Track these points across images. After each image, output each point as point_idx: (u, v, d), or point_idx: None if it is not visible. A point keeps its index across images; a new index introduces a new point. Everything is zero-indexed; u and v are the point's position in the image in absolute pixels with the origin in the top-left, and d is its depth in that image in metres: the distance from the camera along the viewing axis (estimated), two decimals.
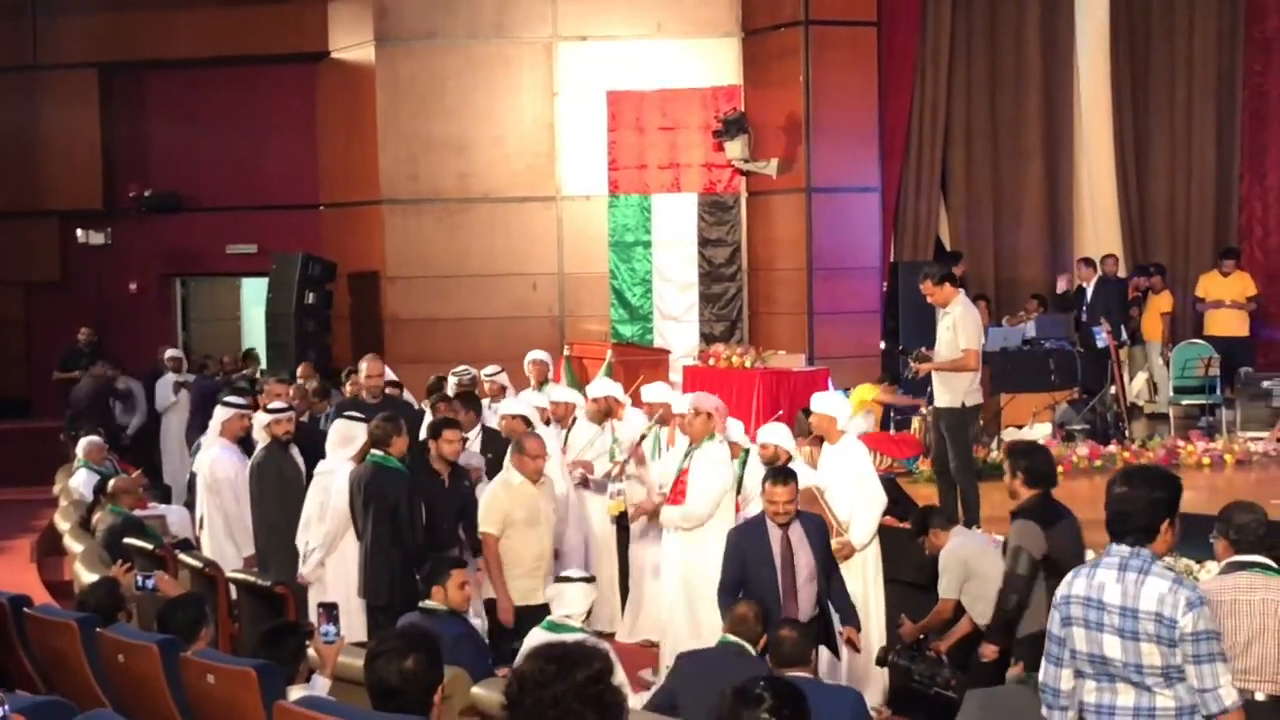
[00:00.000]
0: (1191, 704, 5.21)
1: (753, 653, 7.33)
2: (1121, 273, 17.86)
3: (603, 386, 11.84)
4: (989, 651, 7.99)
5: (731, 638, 7.36)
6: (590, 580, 8.15)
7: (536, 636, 7.66)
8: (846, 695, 6.61)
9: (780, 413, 13.47)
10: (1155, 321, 17.28)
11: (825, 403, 9.98)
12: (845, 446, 9.71)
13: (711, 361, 16.53)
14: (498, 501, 9.47)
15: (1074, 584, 5.37)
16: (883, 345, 17.16)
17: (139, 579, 8.23)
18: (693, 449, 9.88)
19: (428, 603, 7.62)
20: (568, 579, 8.08)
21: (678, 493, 9.85)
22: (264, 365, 18.76)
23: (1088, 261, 17.20)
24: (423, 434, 10.70)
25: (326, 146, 19.94)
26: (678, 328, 18.25)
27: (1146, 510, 5.33)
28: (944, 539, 8.88)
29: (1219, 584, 6.77)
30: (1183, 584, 5.24)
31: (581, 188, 18.54)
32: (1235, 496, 12.99)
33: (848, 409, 10.04)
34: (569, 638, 7.00)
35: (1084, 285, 16.96)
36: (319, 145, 20.04)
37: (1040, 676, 5.52)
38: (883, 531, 9.98)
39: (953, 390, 11.03)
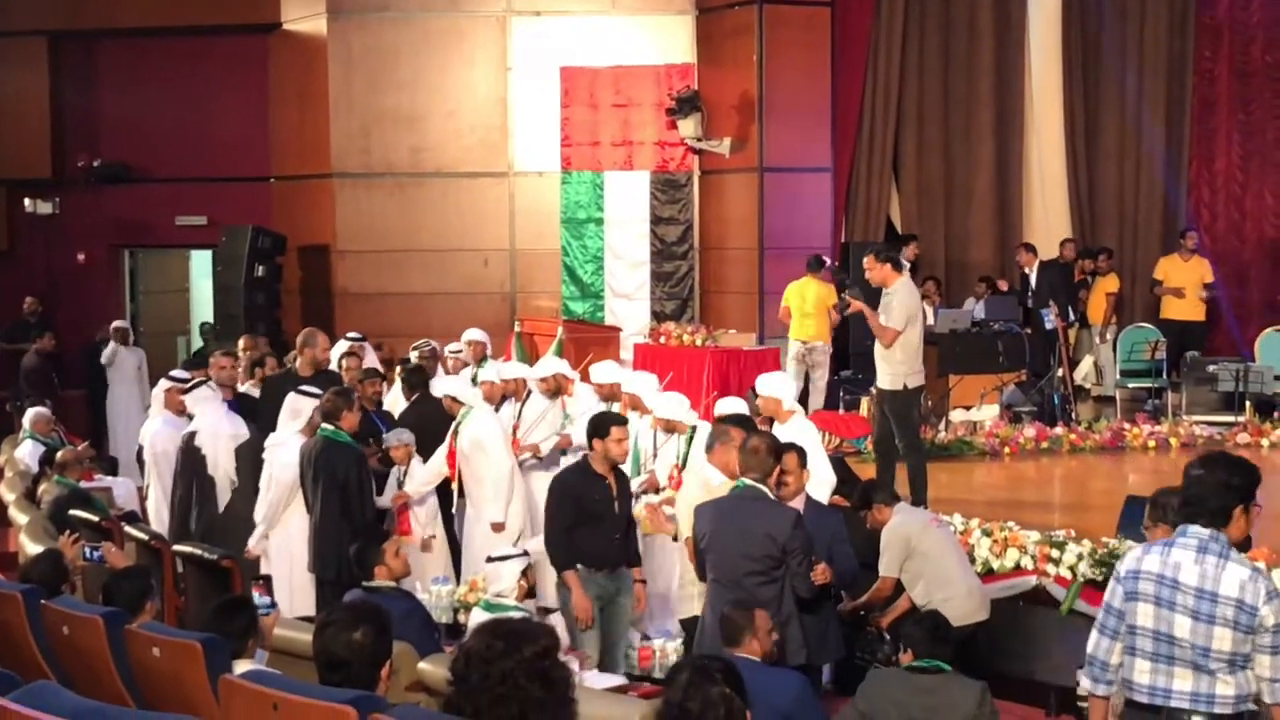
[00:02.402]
0: (1249, 692, 5.22)
1: (769, 495, 7.55)
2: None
3: (550, 365, 11.84)
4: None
5: (747, 481, 7.51)
6: (521, 555, 8.18)
7: (476, 616, 7.69)
8: (789, 677, 6.63)
9: (715, 393, 13.52)
10: (1100, 303, 17.40)
11: (770, 384, 9.98)
12: (794, 426, 9.72)
13: (662, 340, 16.57)
14: (697, 503, 8.21)
15: (1144, 560, 5.35)
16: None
17: (86, 550, 8.19)
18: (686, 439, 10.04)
19: (371, 582, 7.43)
20: (499, 558, 8.10)
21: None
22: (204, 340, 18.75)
23: (1028, 246, 17.29)
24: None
25: (278, 118, 19.83)
26: (629, 305, 18.26)
27: (1220, 494, 5.34)
28: (887, 514, 8.91)
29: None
30: (1261, 573, 5.27)
31: (534, 164, 18.51)
32: (1180, 480, 13.20)
33: (793, 389, 10.05)
34: (514, 615, 7.09)
35: (1025, 270, 17.04)
36: (270, 117, 19.92)
37: (1089, 648, 5.49)
38: None
39: (893, 373, 11.08)
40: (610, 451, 8.77)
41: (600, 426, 8.86)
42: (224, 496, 11.16)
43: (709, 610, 7.57)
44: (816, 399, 15.44)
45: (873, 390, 12.33)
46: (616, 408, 10.90)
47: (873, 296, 11.41)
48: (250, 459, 10.83)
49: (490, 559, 8.22)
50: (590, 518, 8.71)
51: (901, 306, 10.97)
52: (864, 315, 11.38)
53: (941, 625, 7.21)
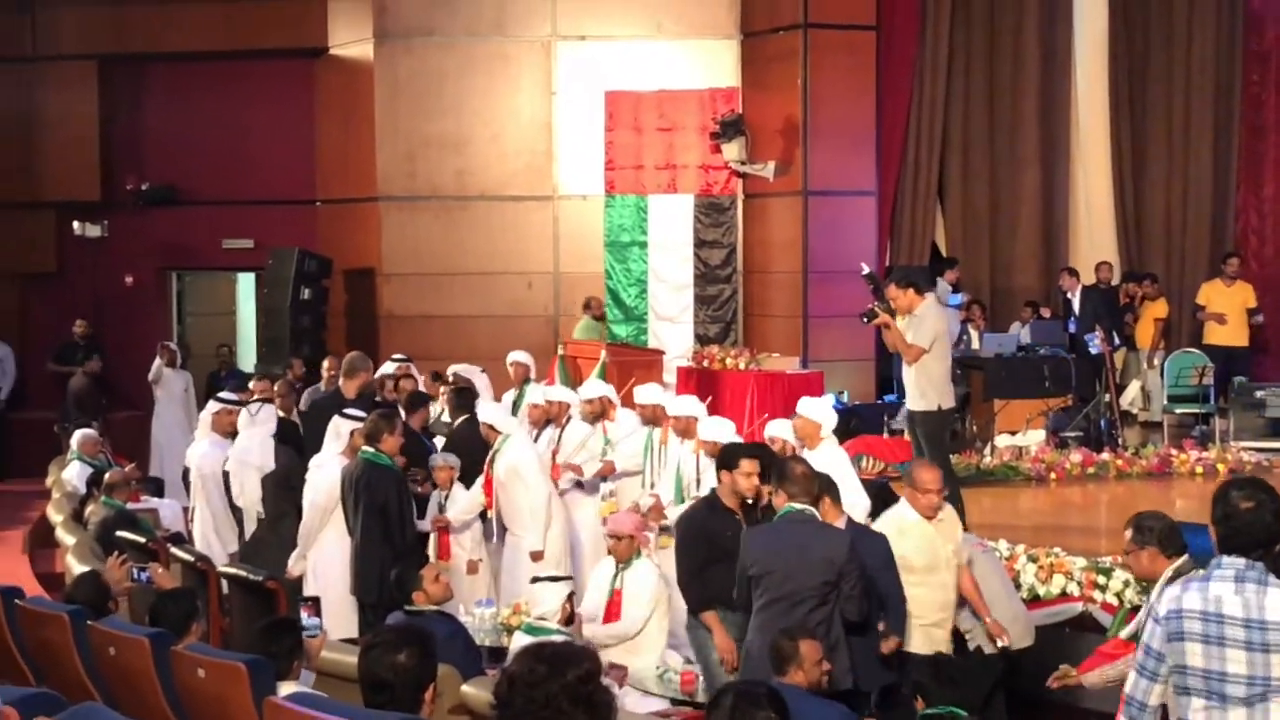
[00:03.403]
0: None
1: (818, 517, 7.63)
2: (1115, 280, 17.89)
3: (595, 388, 11.84)
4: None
5: (795, 506, 7.55)
6: (564, 579, 8.18)
7: (519, 640, 7.70)
8: (832, 710, 6.58)
9: (766, 415, 13.49)
10: (1148, 329, 17.30)
11: (812, 408, 9.94)
12: (825, 451, 9.70)
13: (705, 363, 16.56)
14: (891, 543, 8.12)
15: (1184, 598, 5.16)
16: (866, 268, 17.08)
17: (134, 571, 8.23)
18: (621, 569, 9.19)
19: (412, 606, 7.45)
20: (544, 578, 8.12)
21: (611, 615, 9.30)
22: (255, 361, 18.85)
23: (1071, 270, 17.21)
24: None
25: (324, 142, 19.93)
26: (672, 329, 18.24)
27: (1271, 527, 5.12)
28: None
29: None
30: None
31: (578, 187, 18.54)
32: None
33: (833, 419, 9.98)
34: (555, 639, 7.08)
35: (1068, 294, 16.96)
36: (317, 141, 20.02)
37: (1128, 689, 5.36)
38: None
39: (926, 394, 11.02)
40: (738, 485, 8.36)
41: (728, 459, 8.50)
42: (250, 524, 11.27)
43: (757, 635, 7.55)
44: None
45: (904, 414, 12.29)
46: (658, 433, 10.92)
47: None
48: (282, 485, 10.89)
49: (535, 579, 8.23)
50: (723, 555, 8.20)
51: (930, 326, 10.92)
52: (893, 339, 11.29)
53: (944, 667, 7.14)
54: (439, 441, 11.93)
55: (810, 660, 6.80)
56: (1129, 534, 6.93)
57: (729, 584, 7.97)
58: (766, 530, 7.74)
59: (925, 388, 11.01)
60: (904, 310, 11.08)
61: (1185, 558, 6.84)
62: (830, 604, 7.46)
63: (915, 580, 8.03)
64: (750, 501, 8.41)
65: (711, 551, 8.32)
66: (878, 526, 8.33)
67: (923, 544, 8.15)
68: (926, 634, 8.15)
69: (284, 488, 10.94)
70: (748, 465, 8.34)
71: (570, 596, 8.07)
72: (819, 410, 9.93)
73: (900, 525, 8.18)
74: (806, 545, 7.51)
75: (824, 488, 8.08)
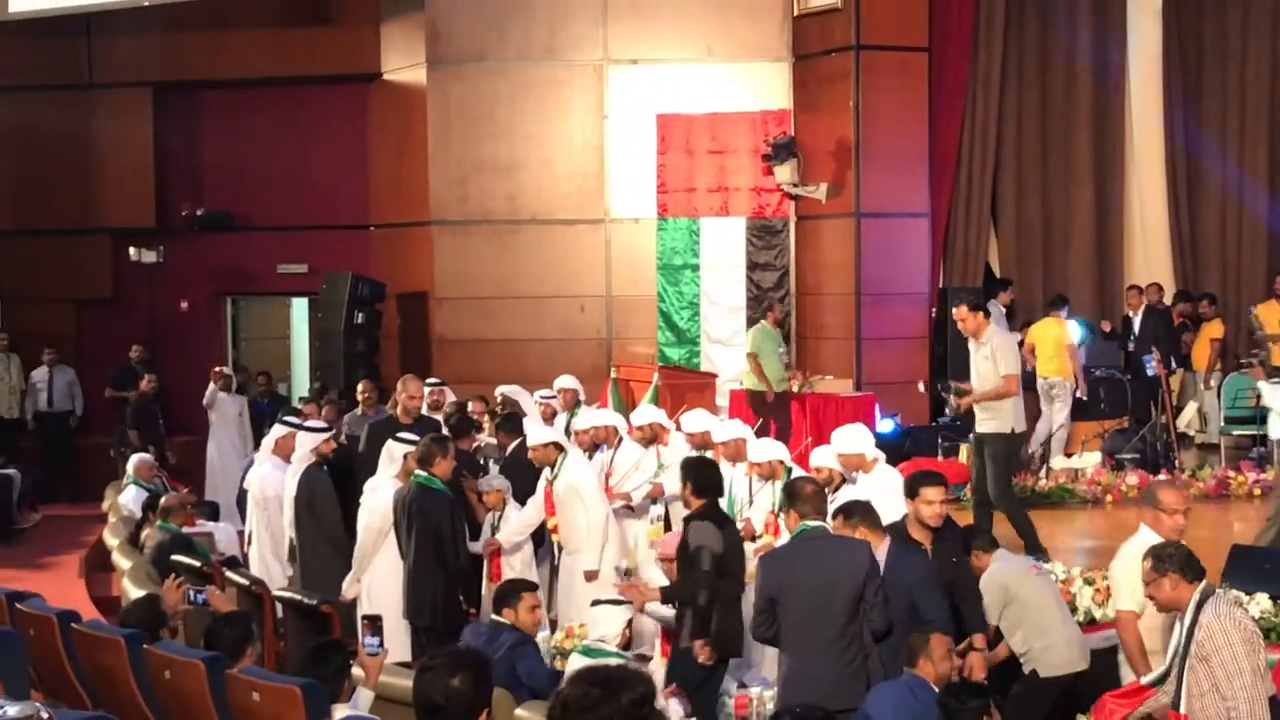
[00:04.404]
0: None
1: (830, 531, 7.70)
2: (1168, 301, 17.76)
3: (647, 414, 11.84)
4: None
5: (810, 524, 7.62)
6: (625, 603, 8.17)
7: (575, 662, 7.70)
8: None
9: (808, 440, 13.46)
10: (1204, 349, 17.16)
11: (846, 441, 9.83)
12: (878, 475, 9.66)
13: None
14: (1139, 572, 7.35)
15: None
16: (922, 387, 17.07)
17: (191, 593, 8.28)
18: None
19: (500, 618, 7.89)
20: (605, 602, 8.12)
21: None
22: (308, 385, 18.96)
23: (1136, 289, 17.10)
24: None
25: (377, 167, 20.05)
26: (725, 351, 18.21)
27: None
28: (986, 561, 8.80)
29: (1240, 611, 6.80)
30: None
31: (630, 210, 18.56)
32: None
33: (870, 440, 9.92)
34: (610, 662, 7.10)
35: (1130, 314, 16.84)
36: (370, 166, 20.14)
37: None
38: None
39: (999, 417, 11.00)
40: (921, 513, 8.18)
41: (912, 487, 8.35)
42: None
43: (792, 658, 7.54)
44: (1059, 434, 15.57)
45: (970, 437, 12.24)
46: (709, 455, 10.89)
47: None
48: (305, 510, 10.96)
49: (596, 602, 8.23)
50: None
51: (1009, 352, 10.97)
52: (984, 400, 11.24)
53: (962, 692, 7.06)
54: (492, 466, 11.95)
55: (939, 654, 7.06)
56: (1147, 565, 6.91)
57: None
58: (785, 552, 7.77)
59: (998, 409, 11.00)
60: (972, 332, 11.11)
61: (1206, 581, 6.82)
62: (859, 617, 7.48)
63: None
64: (937, 528, 8.22)
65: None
66: (1123, 555, 7.81)
67: None
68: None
69: (307, 512, 11.00)
70: (931, 493, 8.18)
71: (630, 622, 8.07)
72: (854, 441, 9.84)
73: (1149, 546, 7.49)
74: (829, 561, 7.55)
75: (863, 515, 8.09)
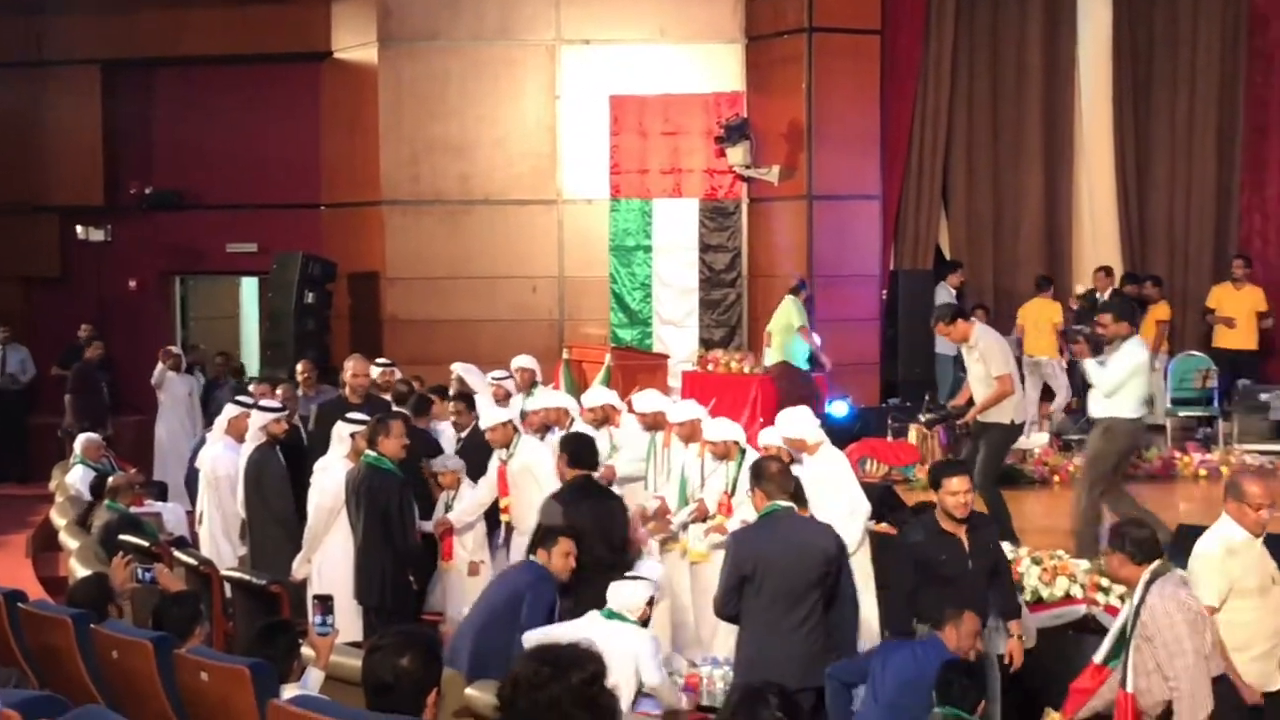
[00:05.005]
0: None
1: (796, 509, 7.86)
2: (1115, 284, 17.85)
3: (598, 396, 11.83)
4: None
5: (779, 504, 7.73)
6: (651, 582, 8.26)
7: (592, 622, 7.90)
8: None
9: (760, 421, 13.48)
10: (1150, 332, 17.26)
11: (791, 424, 9.84)
12: (823, 457, 9.69)
13: (710, 367, 16.53)
14: (1218, 565, 7.41)
15: None
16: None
17: (139, 571, 8.24)
18: None
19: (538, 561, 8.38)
20: (630, 577, 8.26)
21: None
22: (258, 365, 18.88)
23: (1105, 271, 17.19)
24: None
25: (328, 146, 19.95)
26: (677, 333, 18.24)
27: None
28: None
29: (1186, 593, 6.86)
30: None
31: (583, 191, 18.55)
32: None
33: (812, 424, 9.94)
34: (628, 632, 7.38)
35: (1099, 295, 16.93)
36: (321, 145, 20.04)
37: None
38: (875, 538, 9.97)
39: (1002, 408, 11.09)
40: (945, 504, 8.09)
41: (935, 478, 8.35)
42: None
43: (762, 634, 7.61)
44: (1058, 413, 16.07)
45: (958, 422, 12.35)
46: (660, 437, 10.91)
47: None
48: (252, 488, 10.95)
49: (617, 578, 8.30)
50: (943, 580, 8.00)
51: (997, 351, 11.04)
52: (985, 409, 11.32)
53: (955, 670, 7.12)
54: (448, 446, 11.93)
55: (966, 629, 7.28)
56: (1108, 536, 7.03)
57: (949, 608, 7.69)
58: (755, 530, 7.85)
59: (1003, 403, 11.07)
60: (959, 339, 11.19)
61: (1159, 562, 6.88)
62: (826, 597, 7.66)
63: (1248, 605, 7.31)
64: (967, 518, 8.14)
65: (924, 577, 8.07)
66: (1201, 547, 7.55)
67: (1254, 563, 7.42)
68: (1259, 670, 7.38)
69: (256, 492, 10.99)
70: (954, 483, 8.09)
71: (651, 601, 8.15)
72: (797, 424, 9.86)
73: (1229, 545, 7.39)
74: (800, 540, 7.71)
75: (923, 514, 8.28)
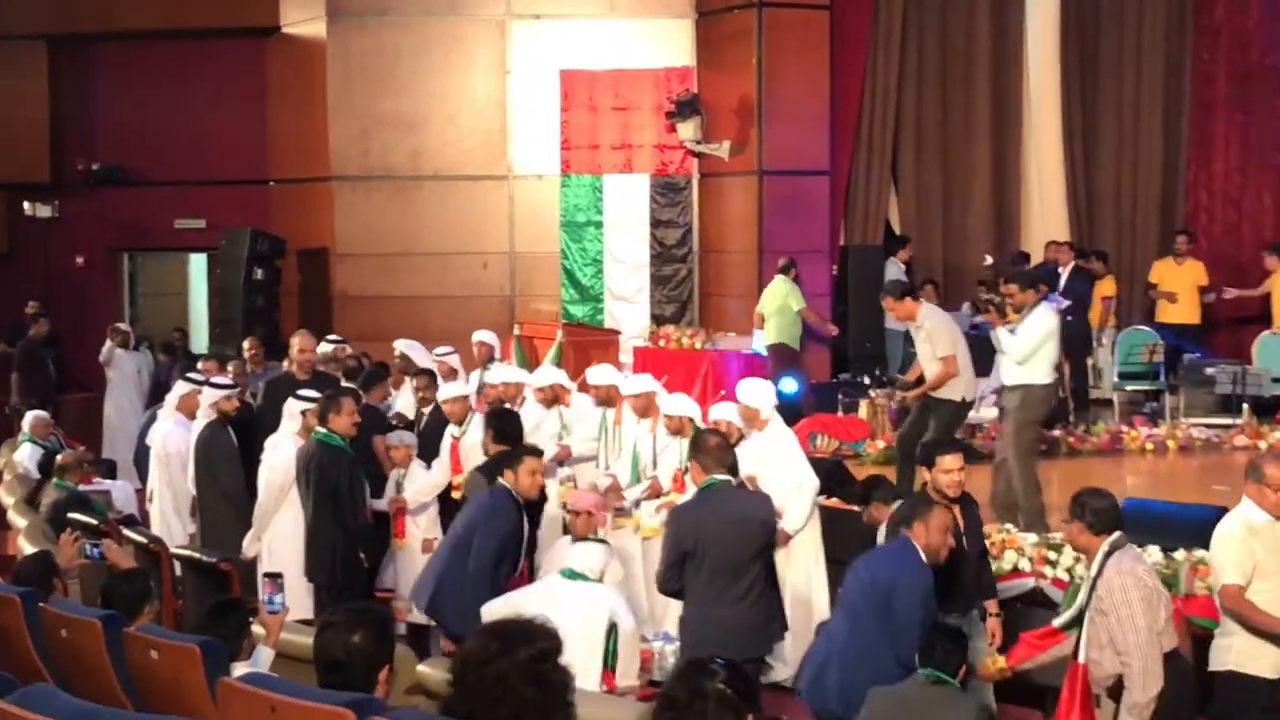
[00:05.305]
0: None
1: (734, 483, 7.95)
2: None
3: (547, 375, 11.81)
4: None
5: (717, 478, 7.79)
6: (605, 544, 8.36)
7: (554, 584, 7.97)
8: (919, 576, 7.28)
9: (722, 393, 13.52)
10: (1097, 306, 17.38)
11: (750, 392, 9.94)
12: (771, 432, 9.73)
13: (661, 343, 16.59)
14: (1241, 544, 7.34)
15: None
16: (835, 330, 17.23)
17: (87, 547, 8.20)
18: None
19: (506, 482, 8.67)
20: (583, 539, 8.39)
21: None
22: (207, 342, 18.80)
23: (1067, 245, 17.26)
24: None
25: (277, 122, 19.84)
26: (628, 309, 18.25)
27: None
28: (885, 513, 8.90)
29: (1143, 568, 6.90)
30: None
31: (533, 167, 18.51)
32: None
33: (771, 400, 9.99)
34: (590, 590, 7.55)
35: (1060, 270, 17.00)
36: (269, 120, 19.93)
37: None
38: (825, 513, 10.02)
39: (952, 386, 11.15)
40: (939, 482, 8.00)
41: (927, 456, 8.21)
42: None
43: (706, 608, 7.67)
44: None
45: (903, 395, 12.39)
46: (612, 414, 10.92)
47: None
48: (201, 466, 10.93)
49: (578, 540, 8.37)
50: None
51: (944, 332, 11.07)
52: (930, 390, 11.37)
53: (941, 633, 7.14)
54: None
55: (936, 525, 7.29)
56: (1070, 505, 7.07)
57: (941, 588, 7.56)
58: (695, 505, 7.90)
59: (948, 384, 11.12)
60: (905, 317, 11.21)
61: (1118, 534, 6.93)
62: (766, 567, 7.79)
63: (1268, 587, 7.23)
64: (956, 498, 8.04)
65: None
66: (1223, 528, 7.50)
67: (1275, 544, 7.29)
68: (1276, 654, 7.25)
69: (206, 469, 10.98)
70: (948, 461, 8.00)
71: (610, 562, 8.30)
72: (756, 393, 9.92)
73: (1249, 526, 7.32)
74: (739, 513, 7.79)
75: (873, 487, 8.29)
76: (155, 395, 16.08)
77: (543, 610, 7.64)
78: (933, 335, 11.14)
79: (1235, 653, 7.25)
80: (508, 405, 10.90)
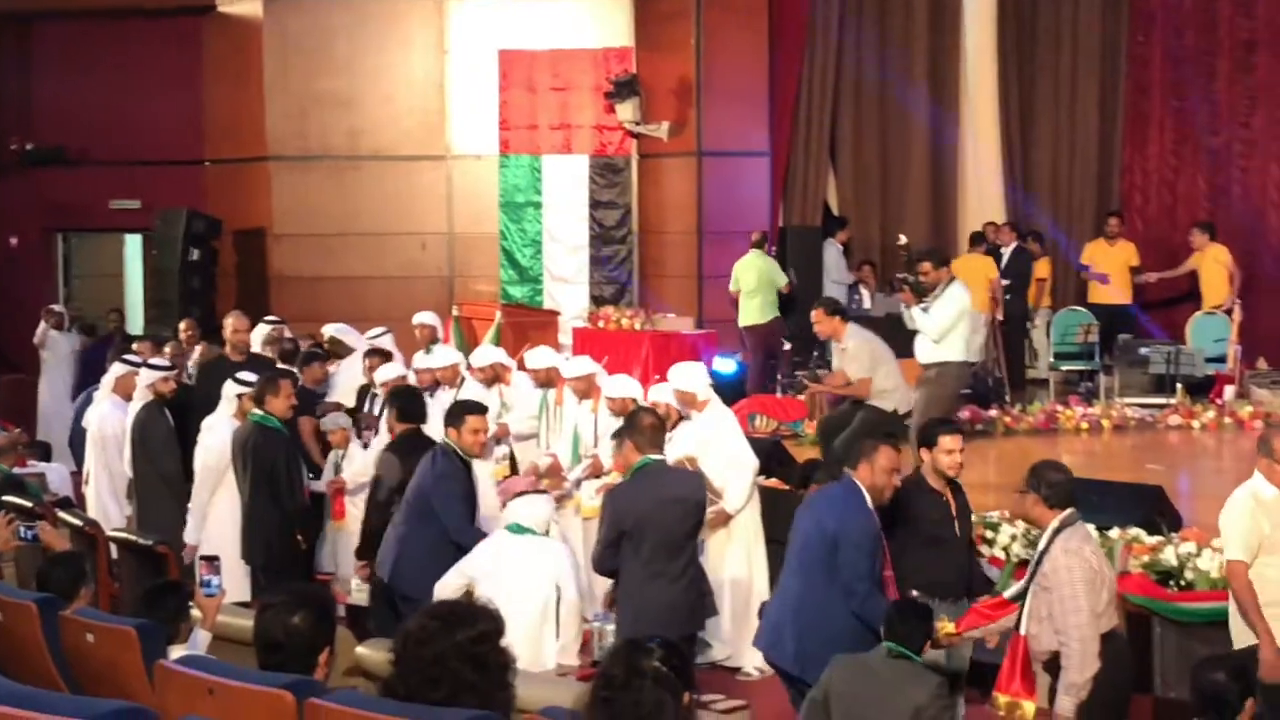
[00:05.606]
0: None
1: (664, 459, 8.05)
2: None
3: (487, 355, 11.81)
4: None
5: (652, 457, 7.91)
6: (546, 494, 8.45)
7: (500, 539, 8.05)
8: (863, 529, 7.30)
9: (656, 378, 13.54)
10: (1032, 287, 17.52)
11: (684, 376, 9.93)
12: (710, 413, 9.76)
13: (601, 324, 16.58)
14: (1249, 520, 7.29)
15: None
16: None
17: (21, 529, 8.12)
18: None
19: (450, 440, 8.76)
20: (523, 492, 8.51)
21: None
22: (143, 323, 18.64)
23: (1008, 226, 17.38)
24: None
25: (213, 101, 19.66)
26: (568, 289, 18.24)
27: None
28: None
29: (1090, 549, 6.93)
30: None
31: (472, 147, 18.46)
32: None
33: (706, 382, 10.01)
34: (534, 543, 7.61)
35: (1002, 250, 17.10)
36: (205, 100, 19.74)
37: None
38: (765, 493, 10.05)
39: (883, 398, 11.15)
40: (939, 463, 7.77)
41: (928, 436, 7.93)
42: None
43: (642, 589, 7.72)
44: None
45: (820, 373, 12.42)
46: (553, 395, 10.92)
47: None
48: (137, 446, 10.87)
49: (519, 494, 8.43)
50: (929, 541, 7.76)
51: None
52: (827, 392, 11.39)
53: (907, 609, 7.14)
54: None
55: (882, 465, 7.29)
56: (1025, 476, 7.08)
57: (936, 572, 7.61)
58: (631, 486, 7.95)
59: (880, 395, 11.14)
60: (828, 334, 11.15)
61: (1071, 510, 6.97)
62: (694, 545, 7.98)
63: (1277, 561, 7.19)
64: (954, 480, 7.90)
65: (915, 536, 7.75)
66: (1232, 502, 7.41)
67: None
68: None
69: (142, 451, 10.93)
70: (948, 441, 7.79)
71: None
72: (690, 377, 9.93)
73: (1259, 500, 7.30)
74: (675, 492, 7.93)
75: (813, 469, 8.36)
76: (84, 377, 15.96)
77: (493, 567, 7.73)
78: (852, 357, 11.07)
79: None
80: (410, 384, 10.86)
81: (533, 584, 7.77)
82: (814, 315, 11.36)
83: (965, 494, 8.11)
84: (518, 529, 8.02)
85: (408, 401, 9.78)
